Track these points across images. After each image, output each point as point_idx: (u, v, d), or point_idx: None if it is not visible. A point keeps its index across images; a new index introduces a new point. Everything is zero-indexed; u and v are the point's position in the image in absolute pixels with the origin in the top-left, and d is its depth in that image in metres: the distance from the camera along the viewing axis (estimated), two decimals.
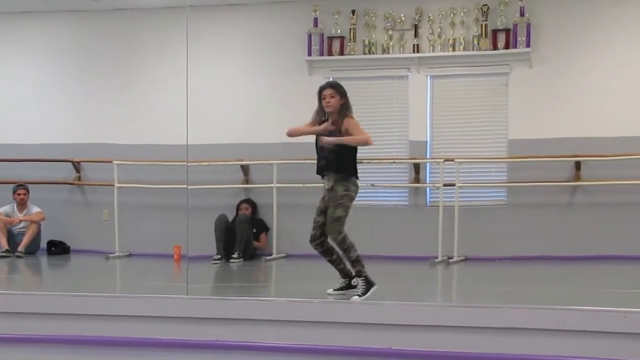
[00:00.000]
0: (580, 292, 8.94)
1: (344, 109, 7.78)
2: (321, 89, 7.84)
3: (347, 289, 7.78)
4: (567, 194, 11.85)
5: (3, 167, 13.17)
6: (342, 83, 11.45)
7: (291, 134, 7.92)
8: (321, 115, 7.82)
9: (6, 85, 13.55)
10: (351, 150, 7.75)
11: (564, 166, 11.77)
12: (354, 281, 7.69)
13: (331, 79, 12.08)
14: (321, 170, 7.81)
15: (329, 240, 7.67)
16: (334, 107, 7.74)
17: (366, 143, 7.72)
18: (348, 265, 7.74)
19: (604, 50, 11.82)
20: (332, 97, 7.74)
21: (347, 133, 7.66)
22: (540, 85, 11.93)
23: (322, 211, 7.75)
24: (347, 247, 7.61)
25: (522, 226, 11.83)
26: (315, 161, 7.82)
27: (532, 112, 11.93)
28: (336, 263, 7.80)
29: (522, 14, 11.87)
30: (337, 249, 7.69)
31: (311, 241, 7.76)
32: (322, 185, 7.77)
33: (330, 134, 7.71)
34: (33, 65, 13.55)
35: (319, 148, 7.80)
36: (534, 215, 11.83)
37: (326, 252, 7.75)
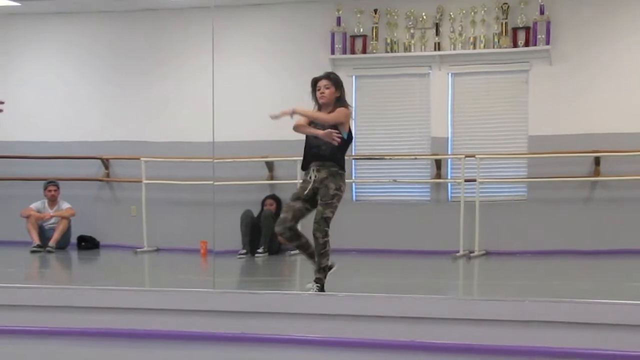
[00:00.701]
0: (601, 285, 8.89)
1: (340, 102, 7.54)
2: (316, 80, 7.58)
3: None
4: (587, 189, 11.78)
5: (34, 164, 13.24)
6: (365, 81, 11.46)
7: (298, 130, 7.61)
8: (315, 108, 7.61)
9: (36, 83, 13.60)
10: (345, 143, 7.56)
11: (583, 162, 11.71)
12: (309, 285, 7.51)
13: (353, 76, 12.13)
14: (314, 159, 7.57)
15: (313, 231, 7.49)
16: (327, 98, 7.50)
17: (332, 121, 7.43)
18: (315, 266, 7.55)
19: (623, 47, 11.74)
20: (327, 88, 7.51)
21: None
22: (560, 82, 11.87)
23: (301, 199, 7.53)
24: (324, 252, 7.48)
25: (543, 221, 11.78)
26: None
27: (552, 109, 11.88)
28: (305, 247, 7.60)
29: (541, 12, 11.80)
30: (315, 250, 7.52)
31: (280, 224, 7.51)
32: (310, 174, 7.54)
33: (322, 125, 7.49)
34: (62, 64, 13.61)
35: (312, 137, 7.55)
36: (554, 210, 11.78)
37: (293, 237, 7.56)
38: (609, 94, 11.72)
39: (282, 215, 7.62)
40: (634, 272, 10.06)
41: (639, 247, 11.23)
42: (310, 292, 7.40)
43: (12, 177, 13.35)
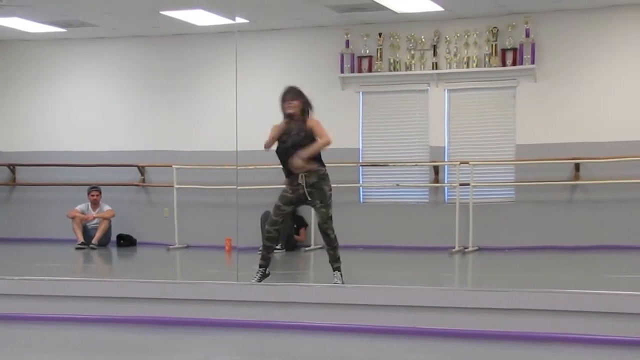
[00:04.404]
0: (581, 277, 8.88)
1: (306, 112, 7.66)
2: (284, 95, 7.68)
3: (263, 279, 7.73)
4: (568, 192, 11.76)
5: (79, 171, 13.28)
6: (371, 96, 11.49)
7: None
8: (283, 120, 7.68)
9: (82, 101, 13.64)
10: (312, 142, 7.58)
11: (565, 167, 11.68)
12: (335, 277, 7.62)
13: (360, 92, 12.11)
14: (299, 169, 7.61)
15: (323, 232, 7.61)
16: (295, 109, 7.63)
17: (329, 144, 7.57)
18: (331, 259, 7.67)
19: (599, 66, 11.71)
20: (294, 100, 7.65)
21: (312, 131, 7.57)
22: (544, 97, 11.85)
23: (293, 203, 7.64)
24: (336, 244, 7.62)
25: (529, 220, 11.75)
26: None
27: (536, 121, 11.86)
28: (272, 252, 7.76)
29: (527, 35, 11.79)
30: (326, 245, 7.64)
31: (272, 225, 7.62)
32: (299, 180, 7.60)
33: (297, 134, 7.58)
34: (103, 83, 13.64)
35: (285, 149, 7.68)
36: (539, 210, 11.75)
37: (277, 239, 7.82)
38: (587, 107, 11.70)
39: (274, 218, 7.67)
40: (610, 265, 10.04)
41: (615, 243, 11.22)
42: (336, 282, 7.52)
43: (60, 183, 13.40)
